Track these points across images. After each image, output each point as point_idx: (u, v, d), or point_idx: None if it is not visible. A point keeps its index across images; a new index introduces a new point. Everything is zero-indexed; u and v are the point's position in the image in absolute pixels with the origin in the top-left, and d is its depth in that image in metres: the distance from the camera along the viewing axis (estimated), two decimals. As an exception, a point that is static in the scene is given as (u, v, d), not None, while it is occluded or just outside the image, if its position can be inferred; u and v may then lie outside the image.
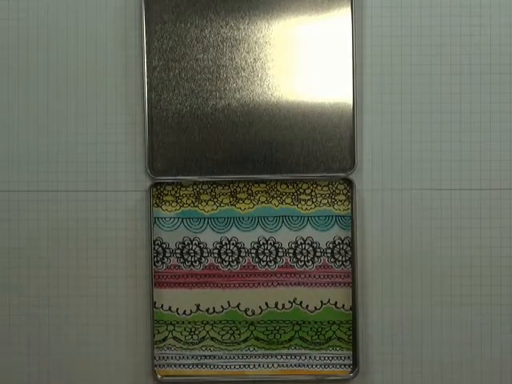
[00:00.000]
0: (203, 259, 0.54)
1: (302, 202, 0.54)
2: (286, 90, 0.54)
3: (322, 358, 0.54)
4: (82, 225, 0.54)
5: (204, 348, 0.54)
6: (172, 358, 0.54)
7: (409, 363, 0.54)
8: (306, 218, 0.54)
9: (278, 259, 0.54)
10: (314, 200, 0.54)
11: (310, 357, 0.54)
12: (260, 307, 0.54)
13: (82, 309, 0.54)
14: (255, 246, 0.54)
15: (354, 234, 0.54)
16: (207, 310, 0.54)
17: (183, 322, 0.54)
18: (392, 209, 0.55)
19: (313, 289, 0.54)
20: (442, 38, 0.54)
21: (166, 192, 0.54)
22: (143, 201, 0.54)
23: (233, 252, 0.54)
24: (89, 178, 0.54)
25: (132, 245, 0.54)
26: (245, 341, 0.54)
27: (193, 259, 0.54)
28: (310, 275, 0.54)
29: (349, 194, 0.54)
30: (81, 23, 0.54)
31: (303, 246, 0.54)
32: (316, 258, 0.54)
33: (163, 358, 0.54)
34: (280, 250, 0.54)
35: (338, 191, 0.54)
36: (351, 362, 0.54)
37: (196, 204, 0.54)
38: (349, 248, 0.54)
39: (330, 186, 0.54)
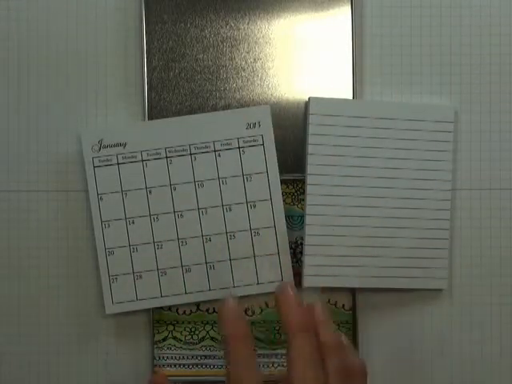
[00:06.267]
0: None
1: (302, 202, 0.53)
2: (285, 89, 0.54)
3: (322, 358, 0.54)
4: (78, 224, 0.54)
5: (204, 348, 0.54)
6: (172, 358, 0.54)
7: (408, 363, 0.54)
8: (306, 218, 0.54)
9: (278, 259, 0.54)
10: (314, 200, 0.54)
11: (310, 357, 0.54)
12: (260, 307, 0.54)
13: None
14: (255, 245, 0.54)
15: (354, 233, 0.54)
16: (207, 310, 0.54)
17: (183, 322, 0.54)
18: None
19: (313, 289, 0.54)
20: (441, 38, 0.55)
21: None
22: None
23: (233, 252, 0.54)
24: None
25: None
26: (245, 341, 0.54)
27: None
28: (310, 275, 0.54)
29: (349, 193, 0.54)
30: (80, 23, 0.54)
31: (303, 245, 0.53)
32: (316, 258, 0.54)
33: (163, 358, 0.54)
34: (280, 249, 0.54)
35: (338, 191, 0.54)
36: (351, 361, 0.54)
37: (196, 204, 0.54)
38: (349, 248, 0.54)
39: (330, 186, 0.54)
